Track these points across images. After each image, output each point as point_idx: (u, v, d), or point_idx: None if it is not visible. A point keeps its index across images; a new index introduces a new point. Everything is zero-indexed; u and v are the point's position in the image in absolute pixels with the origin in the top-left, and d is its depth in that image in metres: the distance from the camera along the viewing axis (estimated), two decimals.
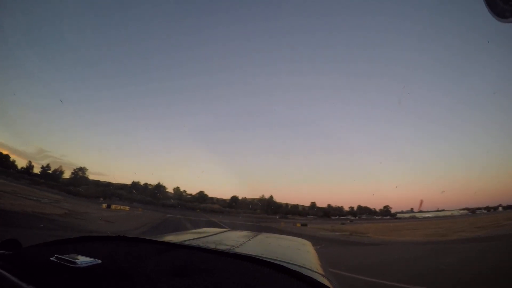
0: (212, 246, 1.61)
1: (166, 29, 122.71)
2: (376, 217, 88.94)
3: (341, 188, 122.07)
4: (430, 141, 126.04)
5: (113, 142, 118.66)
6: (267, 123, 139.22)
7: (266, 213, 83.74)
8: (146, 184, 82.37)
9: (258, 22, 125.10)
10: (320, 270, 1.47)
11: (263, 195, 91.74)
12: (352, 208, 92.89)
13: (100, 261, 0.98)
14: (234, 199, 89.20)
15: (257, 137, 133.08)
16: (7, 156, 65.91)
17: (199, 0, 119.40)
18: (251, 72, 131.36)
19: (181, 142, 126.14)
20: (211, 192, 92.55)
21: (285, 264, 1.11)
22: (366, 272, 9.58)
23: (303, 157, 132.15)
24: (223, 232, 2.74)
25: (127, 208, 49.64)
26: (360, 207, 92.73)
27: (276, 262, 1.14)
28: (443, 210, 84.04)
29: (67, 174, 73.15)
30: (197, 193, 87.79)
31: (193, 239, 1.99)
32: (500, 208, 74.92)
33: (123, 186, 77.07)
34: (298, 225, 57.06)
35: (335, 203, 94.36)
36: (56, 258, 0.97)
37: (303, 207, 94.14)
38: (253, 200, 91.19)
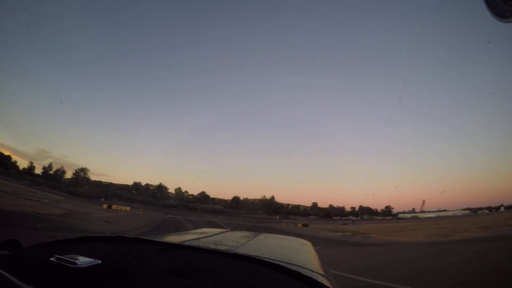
0: (212, 246, 1.62)
1: (166, 29, 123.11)
2: (378, 217, 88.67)
3: (343, 189, 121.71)
4: (431, 141, 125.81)
5: (115, 143, 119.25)
6: (268, 124, 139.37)
7: (268, 213, 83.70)
8: (147, 184, 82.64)
9: (259, 22, 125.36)
10: (320, 270, 1.47)
11: (264, 196, 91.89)
12: (353, 208, 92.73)
13: (100, 262, 0.98)
14: (236, 199, 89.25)
15: (259, 137, 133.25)
16: (8, 157, 66.27)
17: (199, 0, 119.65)
18: (252, 72, 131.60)
19: (183, 143, 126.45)
20: (213, 193, 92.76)
21: (285, 264, 1.11)
22: (370, 274, 9.43)
23: (304, 157, 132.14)
24: (223, 232, 2.75)
25: (128, 208, 49.68)
26: (361, 208, 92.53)
27: (276, 262, 1.14)
28: (444, 210, 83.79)
29: (68, 175, 73.57)
30: (198, 194, 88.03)
31: (193, 239, 2.00)
32: (502, 208, 74.62)
33: (124, 187, 77.32)
34: (300, 225, 57.01)
35: (336, 203, 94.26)
36: (56, 258, 0.97)
37: (305, 207, 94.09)
38: (254, 200, 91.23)
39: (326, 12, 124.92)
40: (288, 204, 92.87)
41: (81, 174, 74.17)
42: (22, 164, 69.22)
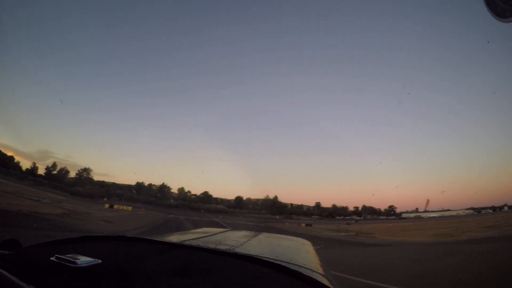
0: (212, 246, 1.62)
1: (167, 29, 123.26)
2: (381, 217, 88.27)
3: (346, 188, 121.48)
4: (433, 140, 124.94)
5: (119, 143, 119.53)
6: (271, 124, 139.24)
7: (271, 213, 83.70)
8: (150, 184, 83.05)
9: (259, 22, 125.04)
10: (320, 270, 1.47)
11: (267, 196, 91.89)
12: (357, 208, 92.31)
13: (100, 261, 0.98)
14: (239, 199, 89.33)
15: (261, 138, 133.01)
16: (11, 158, 66.83)
17: (199, 0, 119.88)
18: (254, 72, 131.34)
19: (186, 143, 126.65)
20: (216, 193, 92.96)
21: (285, 264, 1.11)
22: (374, 277, 9.13)
23: (307, 157, 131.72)
24: (223, 232, 2.75)
25: (130, 208, 49.90)
26: (365, 207, 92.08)
27: (276, 262, 1.14)
28: (448, 210, 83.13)
29: (72, 175, 74.09)
30: (201, 194, 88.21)
31: (193, 239, 2.00)
32: (506, 208, 73.99)
33: (127, 187, 77.75)
34: (303, 225, 56.90)
35: (339, 203, 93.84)
36: (56, 258, 0.97)
37: (308, 207, 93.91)
38: (257, 200, 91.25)
39: (326, 12, 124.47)
40: (291, 204, 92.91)
41: (84, 174, 74.67)
42: (26, 165, 69.96)
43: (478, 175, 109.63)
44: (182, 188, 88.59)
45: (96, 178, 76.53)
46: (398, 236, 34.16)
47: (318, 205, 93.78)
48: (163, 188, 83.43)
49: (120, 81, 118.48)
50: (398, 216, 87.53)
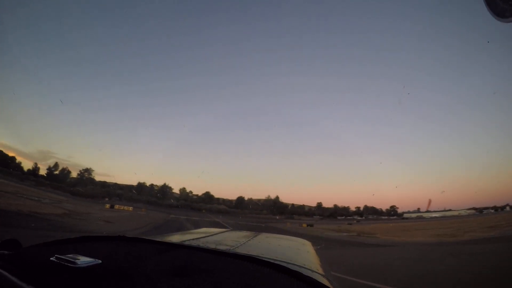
0: (212, 246, 1.61)
1: (167, 29, 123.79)
2: (383, 217, 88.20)
3: (347, 188, 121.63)
4: (435, 140, 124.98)
5: (120, 144, 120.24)
6: (272, 124, 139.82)
7: (272, 213, 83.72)
8: (152, 185, 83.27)
9: (259, 22, 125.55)
10: (320, 270, 1.46)
11: (269, 196, 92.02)
12: (358, 208, 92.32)
13: (100, 261, 0.98)
14: (240, 199, 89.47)
15: (263, 138, 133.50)
16: (13, 158, 67.12)
17: (199, 0, 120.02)
18: (255, 72, 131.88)
19: (188, 143, 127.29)
20: (217, 193, 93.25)
21: (285, 264, 1.10)
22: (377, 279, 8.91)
23: (308, 157, 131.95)
24: (223, 232, 2.75)
25: (131, 208, 49.93)
26: (366, 207, 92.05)
27: (276, 262, 1.13)
28: (449, 210, 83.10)
29: (73, 176, 74.34)
30: (203, 194, 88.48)
31: (193, 239, 2.00)
32: (508, 208, 73.76)
33: (128, 187, 77.92)
34: (304, 225, 56.87)
35: (341, 203, 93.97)
36: (56, 258, 0.96)
37: (309, 207, 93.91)
38: (259, 200, 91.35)
39: (326, 12, 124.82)
40: (293, 204, 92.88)
41: (85, 175, 75.02)
42: (27, 165, 70.30)
43: (480, 175, 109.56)
44: (184, 188, 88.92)
45: (97, 178, 77.04)
46: (400, 236, 34.01)
47: (319, 205, 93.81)
48: (165, 188, 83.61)
49: (121, 81, 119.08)
50: (400, 216, 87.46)
